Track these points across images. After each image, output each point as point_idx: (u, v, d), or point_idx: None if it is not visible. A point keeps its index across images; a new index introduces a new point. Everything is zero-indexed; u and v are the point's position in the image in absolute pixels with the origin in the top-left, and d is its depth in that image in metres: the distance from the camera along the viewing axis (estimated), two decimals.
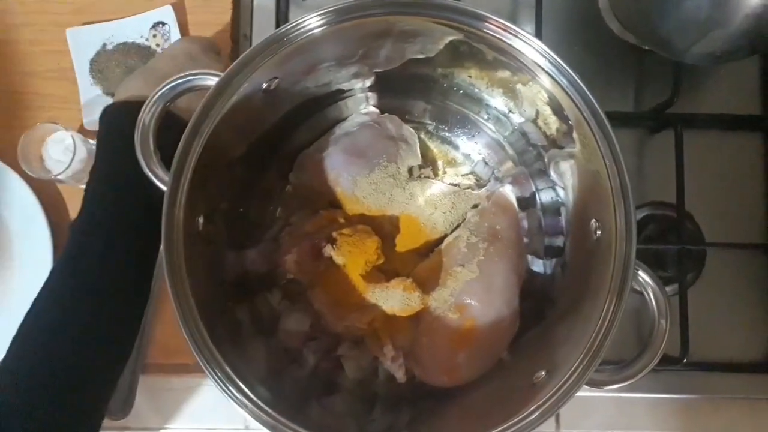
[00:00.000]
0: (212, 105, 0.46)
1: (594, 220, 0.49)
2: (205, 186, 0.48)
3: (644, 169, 0.67)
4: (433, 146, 0.63)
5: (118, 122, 0.52)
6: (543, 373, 0.47)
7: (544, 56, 0.47)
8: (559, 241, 0.57)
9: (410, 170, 0.61)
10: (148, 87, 0.53)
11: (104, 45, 0.69)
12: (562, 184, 0.56)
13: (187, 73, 0.48)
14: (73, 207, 0.67)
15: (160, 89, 0.47)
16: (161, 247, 0.45)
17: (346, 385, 0.57)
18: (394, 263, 0.59)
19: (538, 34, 0.64)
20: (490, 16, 0.47)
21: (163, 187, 0.45)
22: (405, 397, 0.56)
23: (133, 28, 0.69)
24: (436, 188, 0.61)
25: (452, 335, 0.55)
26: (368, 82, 0.59)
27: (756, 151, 0.68)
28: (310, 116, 0.60)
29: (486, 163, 0.62)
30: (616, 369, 0.46)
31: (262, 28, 0.70)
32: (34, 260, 0.65)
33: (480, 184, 0.62)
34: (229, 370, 0.44)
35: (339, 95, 0.60)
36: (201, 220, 0.49)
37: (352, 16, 0.47)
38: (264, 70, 0.47)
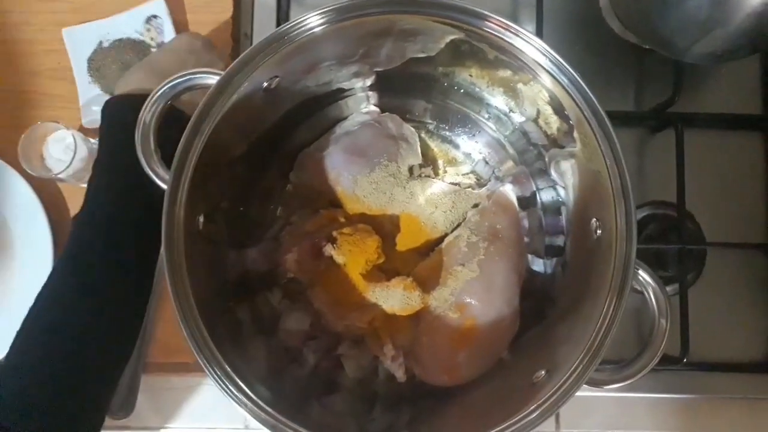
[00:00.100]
0: (213, 104, 0.46)
1: (594, 219, 0.49)
2: (206, 185, 0.48)
3: (645, 168, 0.67)
4: (434, 145, 0.63)
5: (119, 116, 0.52)
6: (543, 372, 0.47)
7: (544, 55, 0.47)
8: (559, 241, 0.57)
9: (411, 169, 0.61)
10: (149, 80, 0.53)
11: (100, 43, 0.69)
12: (562, 183, 0.55)
13: (188, 71, 0.48)
14: (74, 206, 0.67)
15: (161, 88, 0.47)
16: (162, 245, 0.45)
17: (346, 385, 0.57)
18: (395, 262, 0.59)
19: (539, 33, 0.64)
20: (491, 14, 0.47)
21: (164, 186, 0.45)
22: (405, 397, 0.56)
23: (128, 24, 0.69)
24: (437, 187, 0.61)
25: (452, 334, 0.55)
26: (369, 81, 0.59)
27: (757, 150, 0.68)
28: (311, 115, 0.60)
29: (486, 163, 0.62)
30: (616, 368, 0.46)
31: (263, 26, 0.70)
32: (35, 259, 0.65)
33: (480, 183, 0.62)
34: (229, 370, 0.44)
35: (339, 94, 0.60)
36: (201, 219, 0.49)
37: (353, 15, 0.47)
38: (265, 68, 0.47)
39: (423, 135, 0.63)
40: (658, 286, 0.46)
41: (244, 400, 0.44)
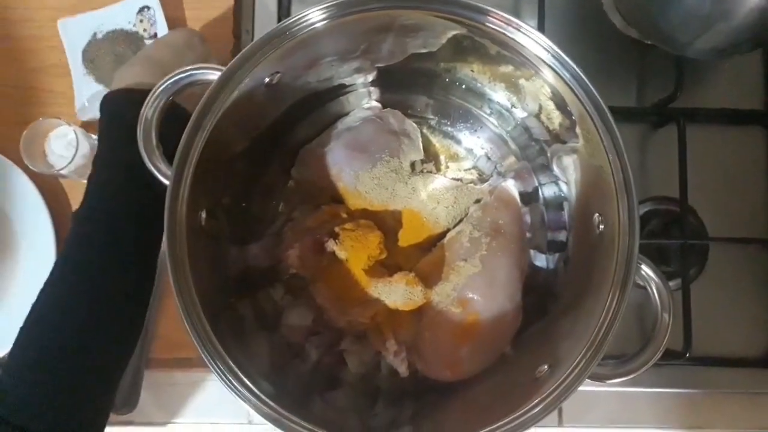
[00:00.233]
0: (214, 99, 0.46)
1: (597, 214, 0.49)
2: (208, 181, 0.48)
3: (647, 163, 0.67)
4: (436, 141, 0.63)
5: (119, 111, 0.52)
6: (546, 367, 0.47)
7: (547, 50, 0.47)
8: (561, 236, 0.57)
9: (413, 165, 0.61)
10: (147, 75, 0.53)
11: (95, 34, 0.69)
12: (565, 178, 0.55)
13: (190, 67, 0.48)
14: (76, 201, 0.66)
15: (163, 83, 0.47)
16: (164, 242, 0.45)
17: (348, 380, 0.57)
18: (397, 258, 0.59)
19: (541, 29, 0.64)
20: (493, 10, 0.47)
21: (166, 182, 0.45)
22: (408, 392, 0.56)
23: (121, 15, 0.69)
24: (439, 183, 0.61)
25: (455, 330, 0.55)
26: (370, 77, 0.59)
27: (759, 145, 0.68)
28: (312, 111, 0.60)
29: (488, 158, 0.62)
30: (619, 363, 0.46)
31: (264, 22, 0.69)
32: (38, 254, 0.65)
33: (482, 178, 0.62)
34: (232, 365, 0.44)
35: (341, 90, 0.60)
36: (203, 214, 0.49)
37: (354, 10, 0.47)
38: (266, 64, 0.47)
39: (425, 130, 0.63)
40: (660, 281, 0.46)
41: (248, 395, 0.44)
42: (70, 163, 0.61)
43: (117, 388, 0.51)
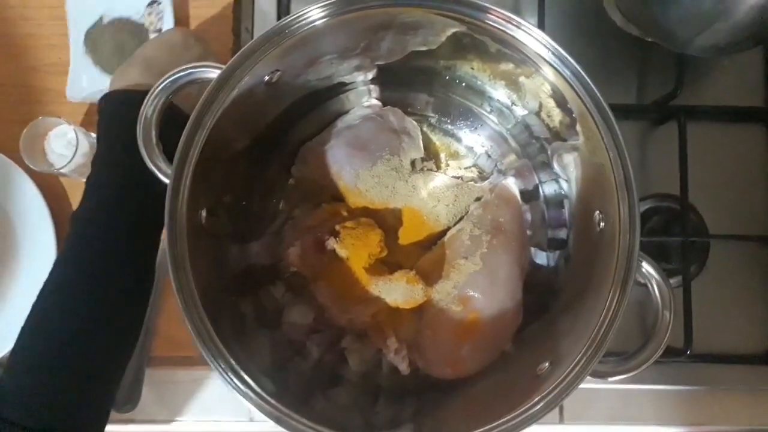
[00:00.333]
0: (214, 98, 0.46)
1: (597, 212, 0.49)
2: (208, 179, 0.48)
3: (648, 161, 0.67)
4: (436, 139, 0.63)
5: (118, 112, 0.52)
6: (546, 364, 0.47)
7: (547, 48, 0.47)
8: (562, 234, 0.57)
9: (413, 163, 0.61)
10: (145, 76, 0.53)
11: (101, 18, 0.68)
12: (565, 176, 0.55)
13: (189, 65, 0.48)
14: (76, 200, 0.66)
15: (163, 81, 0.47)
16: (164, 240, 0.45)
17: (350, 378, 0.57)
18: (398, 256, 0.59)
19: (541, 26, 0.64)
20: (493, 7, 0.47)
21: (166, 180, 0.45)
22: (409, 389, 0.56)
23: (131, 4, 0.69)
24: (439, 181, 0.60)
25: (456, 327, 0.55)
26: (370, 75, 0.59)
27: (759, 143, 0.68)
28: (313, 109, 0.60)
29: (489, 156, 0.62)
30: (620, 360, 0.46)
31: (264, 20, 0.69)
32: (38, 253, 0.65)
33: (483, 176, 0.62)
34: (233, 363, 0.44)
35: (341, 88, 0.60)
36: (204, 213, 0.49)
37: (354, 8, 0.47)
38: (266, 62, 0.47)
39: (425, 128, 0.62)
40: (661, 279, 0.46)
41: (249, 393, 0.44)
42: (70, 162, 0.61)
43: (118, 387, 0.51)
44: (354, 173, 0.59)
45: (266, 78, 0.49)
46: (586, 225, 0.51)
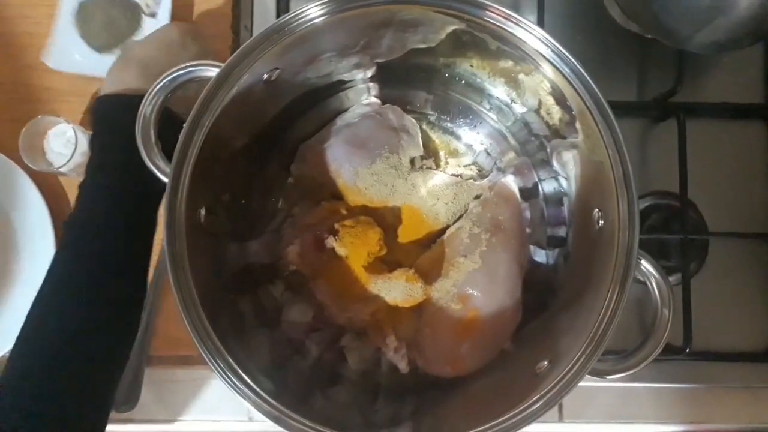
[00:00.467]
0: (213, 96, 0.46)
1: (597, 210, 0.49)
2: (207, 178, 0.48)
3: (647, 158, 0.67)
4: (435, 137, 0.63)
5: (112, 116, 0.51)
6: (546, 363, 0.47)
7: (546, 45, 0.47)
8: (561, 232, 0.57)
9: (412, 161, 0.61)
10: (141, 79, 0.52)
11: None
12: (564, 174, 0.55)
13: (188, 63, 0.48)
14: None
15: (161, 81, 0.47)
16: (163, 239, 0.45)
17: (349, 376, 0.57)
18: (397, 254, 0.59)
19: (541, 23, 0.64)
20: (492, 4, 0.47)
21: (165, 179, 0.45)
22: (408, 388, 0.56)
23: None
24: (438, 179, 0.60)
25: (455, 326, 0.55)
26: (369, 73, 0.58)
27: (759, 140, 0.68)
28: (312, 107, 0.60)
29: (488, 154, 0.62)
30: (619, 358, 0.46)
31: (263, 18, 0.69)
32: (37, 252, 0.65)
33: (482, 174, 0.62)
34: (232, 362, 0.44)
35: (340, 86, 0.60)
36: (203, 212, 0.49)
37: (353, 6, 0.47)
38: (265, 60, 0.47)
39: (424, 126, 0.62)
40: (660, 276, 0.46)
41: (248, 392, 0.44)
42: (69, 160, 0.61)
43: (116, 390, 0.51)
44: (353, 171, 0.58)
45: (265, 76, 0.49)
46: (586, 223, 0.51)
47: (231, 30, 0.69)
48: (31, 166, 0.62)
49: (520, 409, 0.44)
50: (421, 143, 0.61)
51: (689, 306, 0.61)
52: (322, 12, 0.46)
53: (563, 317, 0.51)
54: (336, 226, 0.56)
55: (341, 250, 0.56)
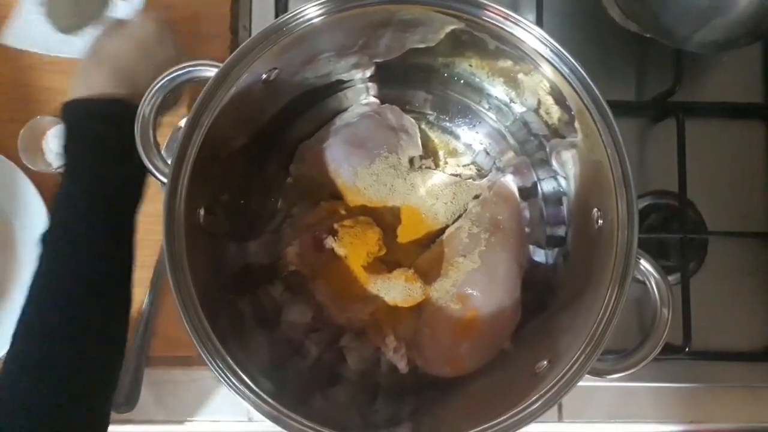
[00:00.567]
0: (212, 96, 0.46)
1: (596, 209, 0.49)
2: (206, 178, 0.48)
3: (646, 158, 0.67)
4: (434, 136, 0.63)
5: (82, 124, 0.48)
6: (545, 362, 0.47)
7: (545, 44, 0.47)
8: (560, 231, 0.57)
9: (411, 161, 0.61)
10: (115, 82, 0.50)
11: None
12: (563, 173, 0.55)
13: (187, 64, 0.47)
14: None
15: (160, 80, 0.47)
16: (162, 239, 0.45)
17: (348, 376, 0.57)
18: (396, 254, 0.59)
19: (539, 23, 0.64)
20: (491, 4, 0.47)
21: (164, 179, 0.45)
22: (408, 388, 0.56)
23: None
24: (438, 179, 0.60)
25: (454, 326, 0.55)
26: (368, 73, 0.58)
27: (758, 139, 0.68)
28: (310, 107, 0.60)
29: (487, 153, 0.62)
30: (618, 358, 0.46)
31: (262, 18, 0.69)
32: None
33: (481, 174, 0.62)
34: (231, 362, 0.44)
35: (339, 86, 0.60)
36: (202, 212, 0.49)
37: (352, 5, 0.47)
38: (263, 60, 0.47)
39: (423, 126, 0.62)
40: (659, 276, 0.46)
41: (247, 392, 0.44)
42: None
43: (111, 401, 0.49)
44: (352, 171, 0.58)
45: (264, 76, 0.49)
46: (585, 222, 0.51)
47: (230, 30, 0.69)
48: (30, 166, 0.62)
49: (519, 408, 0.44)
50: (420, 143, 0.61)
51: (688, 305, 0.61)
52: (320, 12, 0.46)
53: (562, 317, 0.51)
54: (335, 226, 0.56)
55: (340, 250, 0.56)
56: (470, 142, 0.62)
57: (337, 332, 0.58)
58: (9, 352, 0.46)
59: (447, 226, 0.59)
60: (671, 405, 0.65)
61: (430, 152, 0.62)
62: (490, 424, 0.44)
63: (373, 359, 0.57)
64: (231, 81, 0.46)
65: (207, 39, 0.61)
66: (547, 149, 0.56)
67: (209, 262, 0.50)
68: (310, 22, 0.47)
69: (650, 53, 0.68)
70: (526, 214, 0.60)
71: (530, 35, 0.47)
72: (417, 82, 0.60)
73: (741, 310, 0.65)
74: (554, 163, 0.56)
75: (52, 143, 0.64)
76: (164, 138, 0.63)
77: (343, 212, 0.58)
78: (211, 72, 0.47)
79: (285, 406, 0.44)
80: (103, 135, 0.46)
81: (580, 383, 0.44)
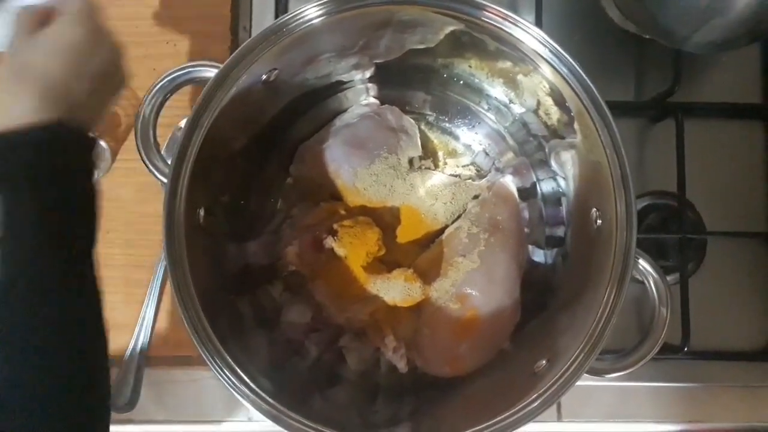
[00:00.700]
0: (211, 97, 0.46)
1: (595, 209, 0.49)
2: (206, 178, 0.48)
3: (645, 158, 0.67)
4: (434, 137, 0.63)
5: (20, 163, 0.38)
6: (544, 362, 0.47)
7: (544, 45, 0.47)
8: (560, 231, 0.57)
9: (411, 161, 0.61)
10: (44, 103, 0.39)
11: None
12: (563, 174, 0.55)
13: (186, 65, 0.48)
14: None
15: (160, 81, 0.47)
16: (162, 240, 0.45)
17: (348, 377, 0.57)
18: (396, 254, 0.59)
19: (539, 23, 0.64)
20: (490, 5, 0.47)
21: (164, 180, 0.46)
22: (407, 388, 0.56)
23: None
24: (437, 179, 0.61)
25: (454, 326, 0.55)
26: (368, 73, 0.59)
27: (757, 139, 0.68)
28: (310, 108, 0.60)
29: (487, 154, 0.62)
30: (617, 358, 0.46)
31: (262, 19, 0.69)
32: None
33: (481, 174, 0.62)
34: (231, 362, 0.44)
35: (339, 86, 0.60)
36: (202, 212, 0.49)
37: (352, 6, 0.47)
38: (263, 61, 0.47)
39: (423, 127, 0.62)
40: (658, 276, 0.46)
41: (247, 392, 0.44)
42: None
43: (109, 394, 0.42)
44: (352, 172, 0.59)
45: (264, 77, 0.49)
46: (584, 222, 0.51)
47: (230, 31, 0.68)
48: None
49: (518, 408, 0.44)
50: (419, 143, 0.61)
51: (687, 305, 0.61)
52: (320, 13, 0.46)
53: (562, 317, 0.51)
54: (335, 226, 0.56)
55: (340, 251, 0.56)
56: (469, 142, 0.62)
57: (337, 332, 0.58)
58: None
59: (446, 227, 0.60)
60: (670, 404, 0.65)
61: (429, 153, 0.62)
62: (489, 423, 0.44)
63: (373, 359, 0.58)
64: (231, 82, 0.46)
65: (207, 39, 0.61)
66: (547, 150, 0.56)
67: (209, 262, 0.50)
68: (310, 23, 0.47)
69: (649, 54, 0.68)
70: (526, 214, 0.60)
71: (529, 36, 0.47)
72: (416, 82, 0.60)
73: (740, 310, 0.65)
74: (553, 163, 0.56)
75: None
76: (164, 138, 0.63)
77: (342, 212, 0.59)
78: (211, 72, 0.47)
79: (284, 405, 0.44)
80: (36, 173, 0.37)
81: (579, 383, 0.44)
